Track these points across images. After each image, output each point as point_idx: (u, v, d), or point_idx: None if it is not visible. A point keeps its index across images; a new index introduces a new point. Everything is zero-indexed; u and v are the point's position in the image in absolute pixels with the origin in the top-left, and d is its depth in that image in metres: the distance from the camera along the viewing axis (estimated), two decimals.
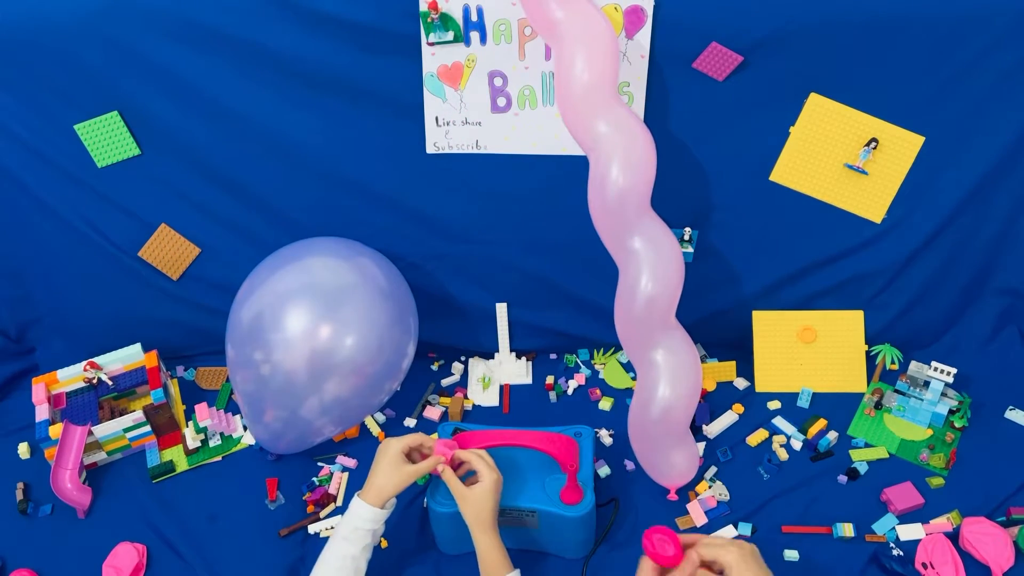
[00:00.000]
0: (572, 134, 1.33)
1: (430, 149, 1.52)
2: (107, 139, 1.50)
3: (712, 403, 1.64)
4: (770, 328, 1.68)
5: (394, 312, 1.48)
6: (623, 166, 1.28)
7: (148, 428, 1.57)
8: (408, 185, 1.57)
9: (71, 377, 1.61)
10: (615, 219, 1.31)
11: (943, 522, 1.38)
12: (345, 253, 1.50)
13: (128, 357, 1.66)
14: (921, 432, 1.55)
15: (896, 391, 1.61)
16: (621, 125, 1.28)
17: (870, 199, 1.52)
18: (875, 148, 1.46)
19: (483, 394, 1.70)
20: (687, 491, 1.47)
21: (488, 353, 1.78)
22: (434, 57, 1.41)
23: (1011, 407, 1.57)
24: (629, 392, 1.67)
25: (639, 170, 1.29)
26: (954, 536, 1.35)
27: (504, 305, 1.72)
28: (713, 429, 1.58)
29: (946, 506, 1.40)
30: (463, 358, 1.79)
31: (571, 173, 1.47)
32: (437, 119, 1.48)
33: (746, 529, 1.38)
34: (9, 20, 1.37)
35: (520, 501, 1.29)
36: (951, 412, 1.56)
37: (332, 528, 1.43)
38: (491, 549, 1.21)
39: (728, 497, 1.45)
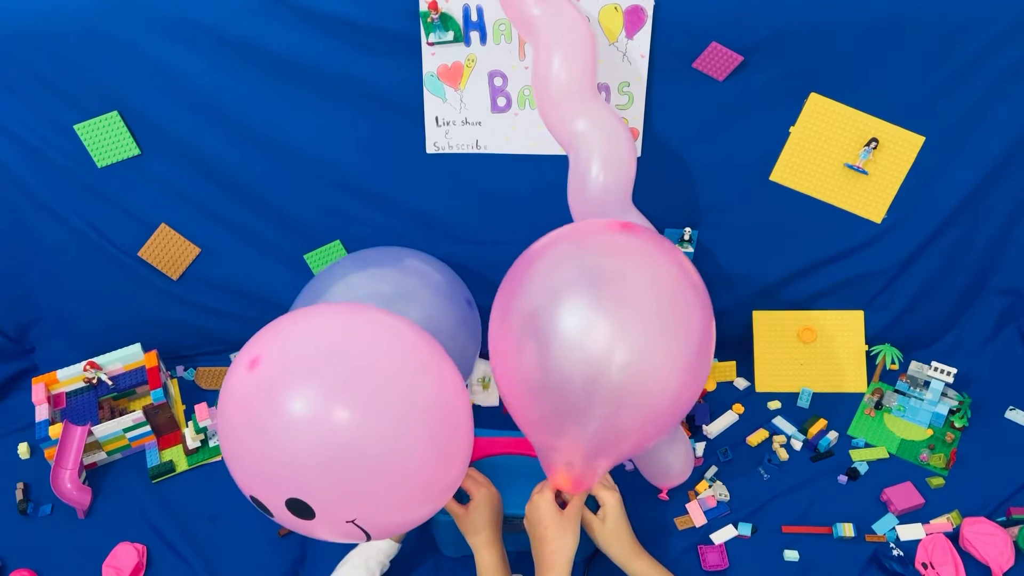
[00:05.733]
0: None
1: (430, 149, 1.52)
2: (107, 139, 1.50)
3: (712, 403, 1.64)
4: (770, 328, 1.68)
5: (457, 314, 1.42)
6: (603, 163, 1.26)
7: (148, 428, 1.57)
8: (408, 185, 1.57)
9: (71, 377, 1.61)
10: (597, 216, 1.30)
11: (943, 522, 1.38)
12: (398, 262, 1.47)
13: (128, 357, 1.66)
14: (921, 432, 1.55)
15: (896, 391, 1.61)
16: (600, 122, 1.27)
17: (870, 199, 1.52)
18: (875, 148, 1.46)
19: (483, 394, 1.69)
20: (686, 490, 1.47)
21: (488, 353, 1.78)
22: (434, 57, 1.41)
23: (1011, 407, 1.57)
24: None
25: (620, 167, 1.27)
26: (954, 536, 1.35)
27: None
28: (713, 429, 1.58)
29: (946, 506, 1.40)
30: None
31: None
32: (437, 119, 1.48)
33: (746, 529, 1.38)
34: (9, 20, 1.37)
35: (515, 508, 1.26)
36: (951, 412, 1.56)
37: None
38: (490, 567, 1.20)
39: (728, 497, 1.45)
